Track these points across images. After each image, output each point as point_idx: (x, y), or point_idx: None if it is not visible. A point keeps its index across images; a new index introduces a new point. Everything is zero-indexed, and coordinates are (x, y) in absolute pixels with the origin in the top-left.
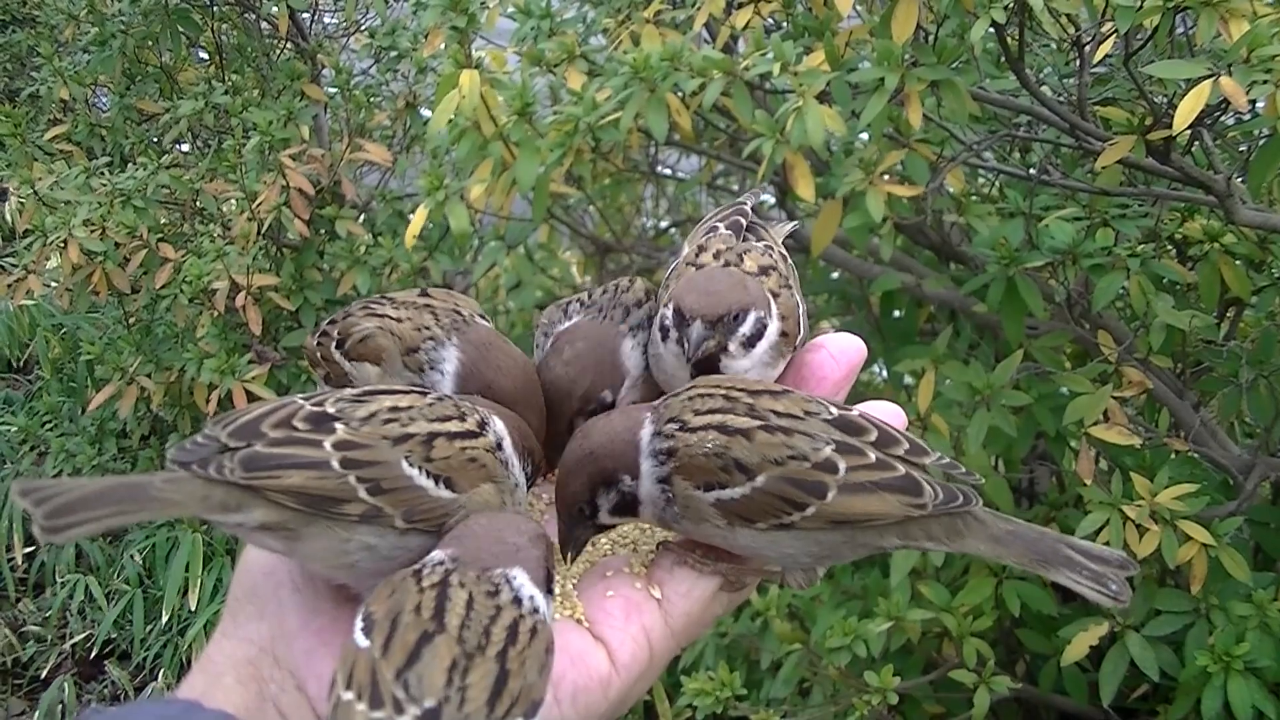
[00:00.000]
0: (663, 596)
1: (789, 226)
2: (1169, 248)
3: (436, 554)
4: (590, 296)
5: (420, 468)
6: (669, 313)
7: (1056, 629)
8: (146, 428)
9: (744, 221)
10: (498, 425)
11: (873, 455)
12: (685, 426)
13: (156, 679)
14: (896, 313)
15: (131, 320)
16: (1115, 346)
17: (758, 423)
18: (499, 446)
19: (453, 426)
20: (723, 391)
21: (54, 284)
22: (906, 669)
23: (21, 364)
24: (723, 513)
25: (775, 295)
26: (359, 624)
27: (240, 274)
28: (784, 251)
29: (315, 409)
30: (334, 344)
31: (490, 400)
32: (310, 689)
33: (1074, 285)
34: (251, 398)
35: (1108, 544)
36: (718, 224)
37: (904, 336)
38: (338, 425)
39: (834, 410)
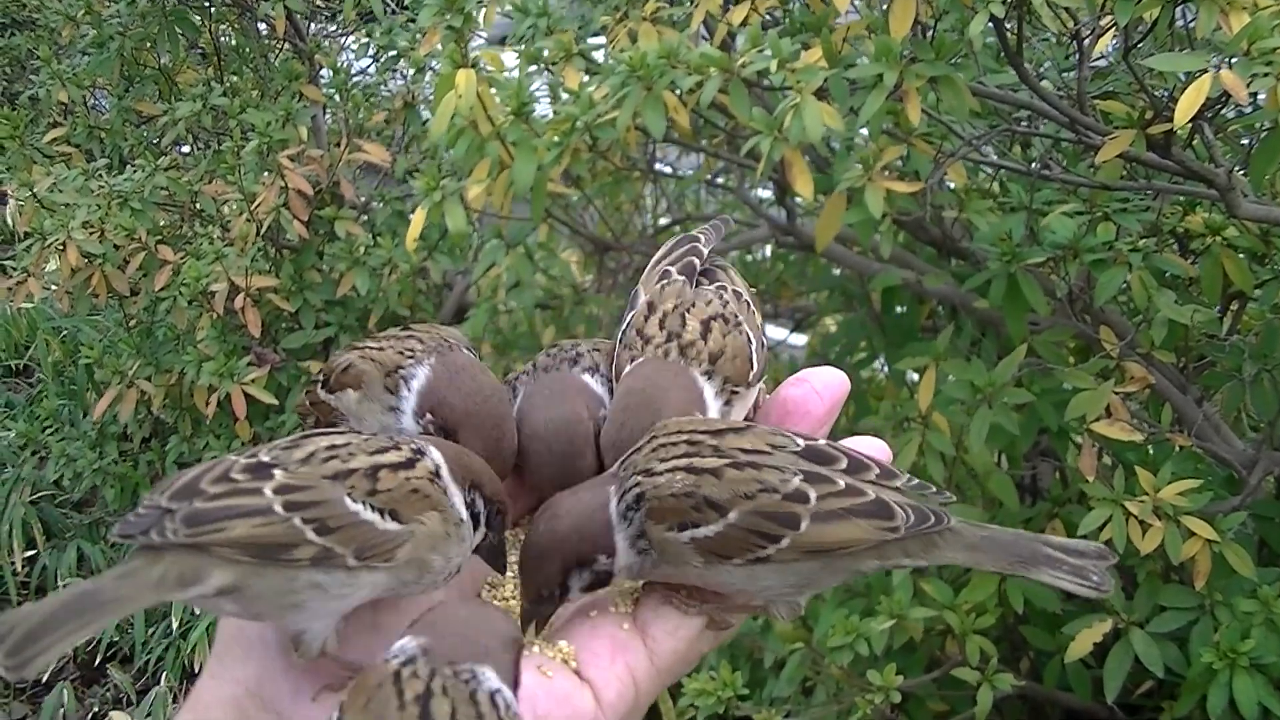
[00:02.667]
0: (648, 635)
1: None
2: (1170, 242)
3: (410, 644)
4: (534, 367)
5: (364, 502)
6: None
7: (1060, 626)
8: (147, 430)
9: (697, 263)
10: (433, 454)
11: (842, 482)
12: (651, 473)
13: (159, 682)
14: (898, 309)
15: (131, 323)
16: (1117, 342)
17: (725, 460)
18: (436, 475)
19: (391, 457)
20: (685, 437)
21: (53, 287)
22: (909, 667)
23: (21, 367)
24: (699, 551)
25: (715, 358)
26: None
27: (239, 276)
28: (739, 289)
29: (250, 460)
30: (320, 385)
31: (440, 418)
32: None
33: (1075, 281)
34: (251, 400)
35: (1110, 541)
36: (669, 269)
37: (906, 333)
38: (275, 471)
39: (800, 441)
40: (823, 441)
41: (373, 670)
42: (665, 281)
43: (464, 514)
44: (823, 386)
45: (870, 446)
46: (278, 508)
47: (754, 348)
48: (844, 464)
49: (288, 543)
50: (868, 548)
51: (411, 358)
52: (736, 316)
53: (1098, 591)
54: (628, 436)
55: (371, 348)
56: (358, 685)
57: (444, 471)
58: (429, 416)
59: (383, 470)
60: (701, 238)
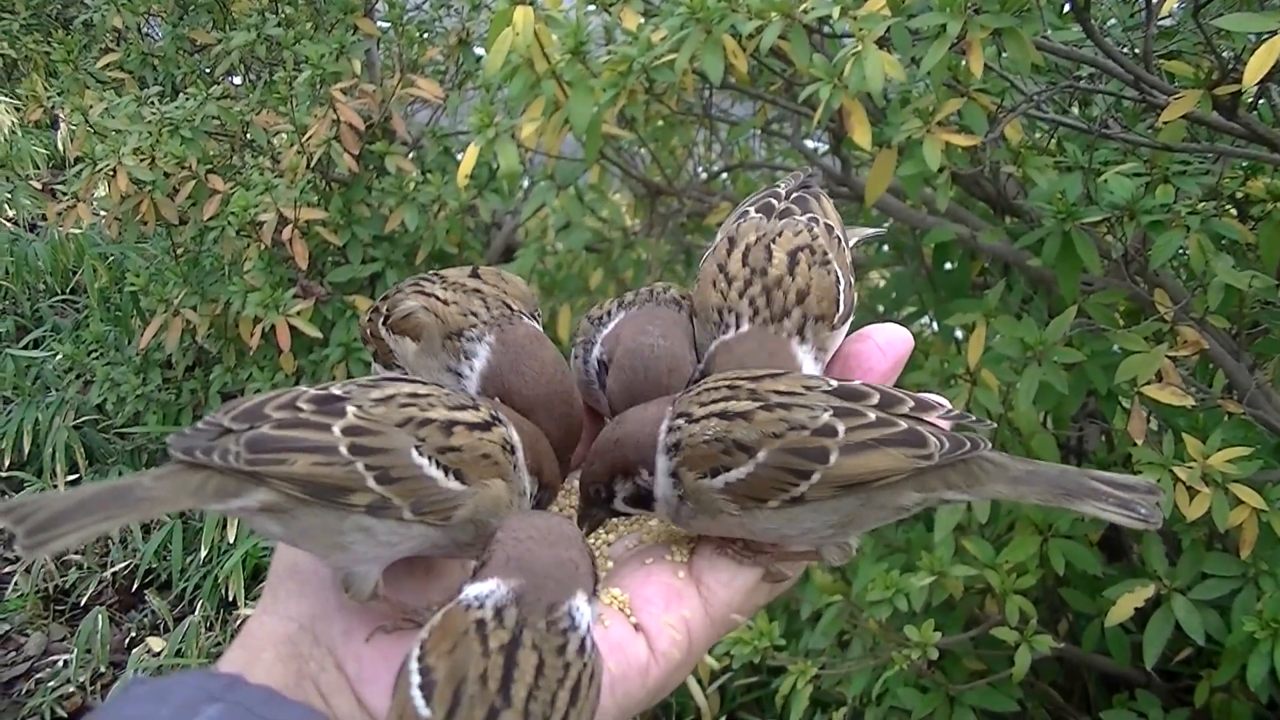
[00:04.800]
0: (703, 585)
1: (869, 232)
2: (1229, 207)
3: (499, 588)
4: (626, 299)
5: (431, 457)
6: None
7: (1101, 589)
8: (191, 359)
9: (775, 203)
10: (511, 431)
11: (873, 415)
12: (691, 418)
13: (194, 610)
14: (948, 265)
15: (179, 251)
16: (1172, 305)
17: (758, 403)
18: (511, 449)
19: (470, 416)
20: (727, 382)
21: (103, 213)
22: (947, 625)
23: (68, 290)
24: (733, 497)
25: (802, 296)
26: (415, 678)
27: (288, 207)
28: (831, 222)
29: (321, 391)
30: (381, 320)
31: (508, 405)
32: (349, 669)
33: (1131, 242)
34: (295, 333)
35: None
36: (748, 208)
37: (956, 289)
38: (348, 407)
39: (833, 382)
40: (857, 381)
41: (458, 614)
42: (742, 219)
43: (528, 486)
44: (886, 343)
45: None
46: (343, 449)
47: (841, 287)
48: (875, 399)
49: (346, 486)
50: (905, 478)
51: (474, 327)
52: (826, 253)
53: (1146, 524)
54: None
55: (437, 297)
56: (443, 628)
57: (519, 450)
58: (495, 403)
59: (458, 427)
60: (782, 186)
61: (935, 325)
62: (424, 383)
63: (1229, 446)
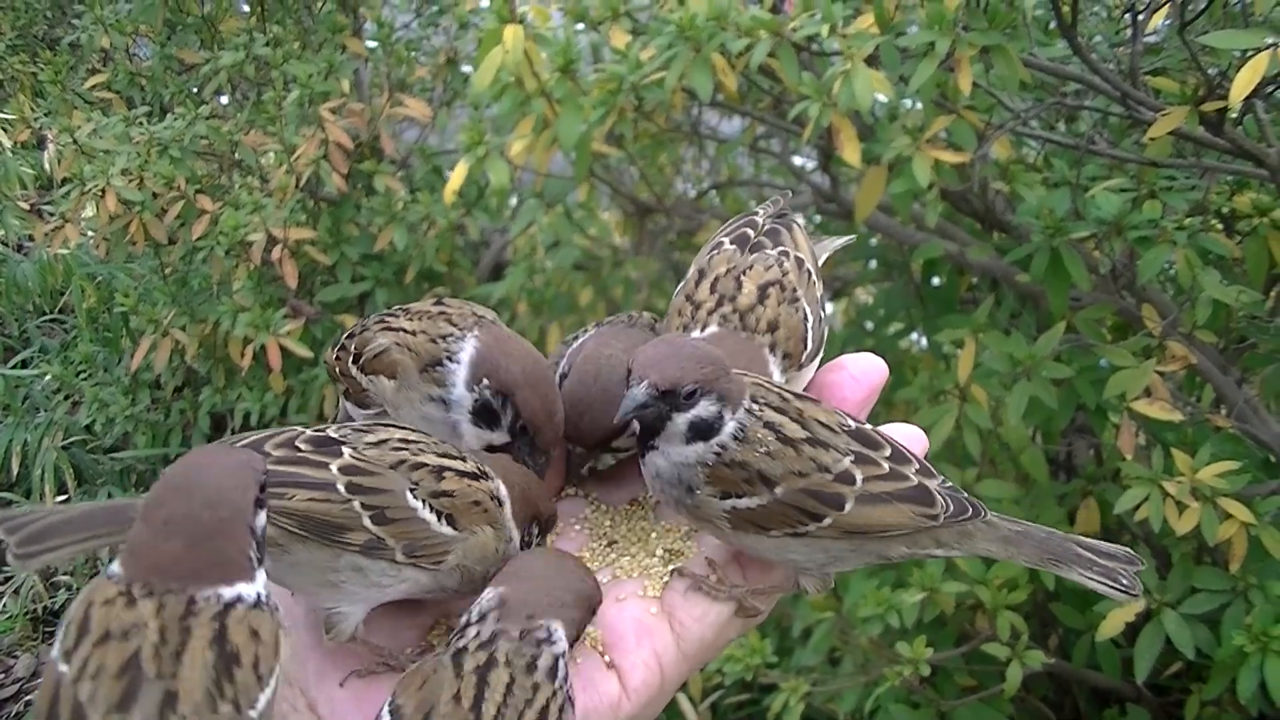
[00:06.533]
0: (676, 620)
1: (839, 241)
2: (1215, 222)
3: (489, 594)
4: (602, 323)
5: (424, 501)
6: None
7: (1091, 604)
8: (180, 379)
9: (751, 233)
10: (499, 485)
11: (887, 466)
12: (755, 414)
13: None
14: (936, 280)
15: (167, 271)
16: (1160, 320)
17: (805, 434)
18: (499, 501)
19: (460, 465)
20: (776, 390)
21: (91, 233)
22: (939, 641)
23: (56, 310)
24: (732, 520)
25: (773, 327)
26: (386, 716)
27: (277, 227)
28: (801, 255)
29: (317, 433)
30: (351, 359)
31: (496, 383)
32: (321, 710)
33: (1119, 257)
34: (285, 353)
35: (1147, 519)
36: (723, 239)
37: (944, 304)
38: (344, 449)
39: (852, 423)
40: (869, 426)
41: (432, 659)
42: (716, 250)
43: (515, 536)
44: (860, 374)
45: (906, 434)
46: (340, 487)
47: (810, 324)
48: (888, 451)
49: (343, 525)
50: (902, 534)
51: (449, 338)
52: (795, 290)
53: (1126, 595)
54: None
55: (406, 332)
56: (419, 670)
57: (506, 505)
58: (485, 382)
59: (449, 473)
60: (760, 213)
61: (924, 341)
62: (414, 430)
63: (1217, 461)
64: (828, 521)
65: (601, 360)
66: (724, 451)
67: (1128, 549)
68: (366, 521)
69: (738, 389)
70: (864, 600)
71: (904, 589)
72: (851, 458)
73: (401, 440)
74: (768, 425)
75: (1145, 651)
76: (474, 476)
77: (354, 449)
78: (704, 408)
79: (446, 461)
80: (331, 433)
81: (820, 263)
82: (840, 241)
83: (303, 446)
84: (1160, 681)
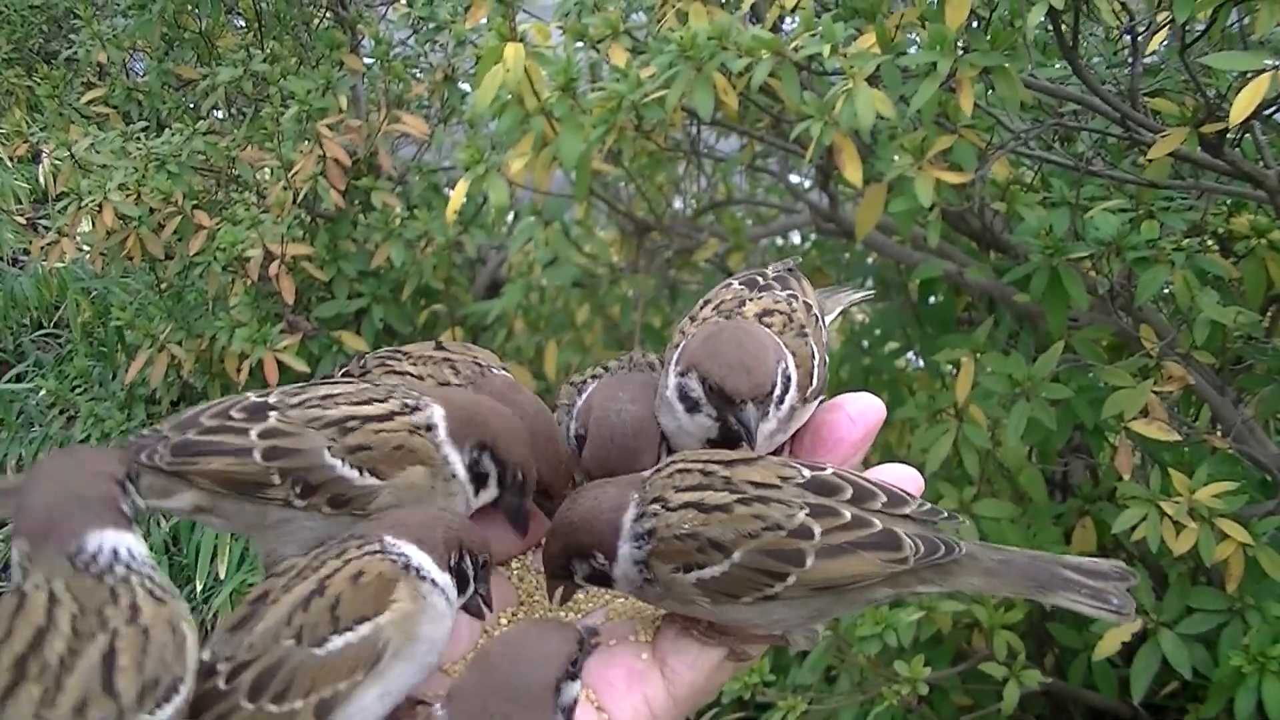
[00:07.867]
0: (667, 666)
1: (856, 295)
2: (1212, 243)
3: (438, 711)
4: (609, 366)
5: (342, 458)
6: (694, 384)
7: (1088, 623)
8: (176, 394)
9: (760, 280)
10: (433, 410)
11: (848, 514)
12: (666, 505)
13: None
14: (934, 299)
15: (163, 286)
16: (1157, 340)
17: (735, 496)
18: (427, 428)
19: (371, 410)
20: (699, 466)
21: (87, 248)
22: (936, 660)
23: (51, 325)
24: (705, 592)
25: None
26: None
27: (274, 243)
28: (810, 301)
29: (259, 399)
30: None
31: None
32: None
33: (1117, 278)
34: (283, 368)
35: (1144, 540)
36: (731, 281)
37: (942, 324)
38: (271, 414)
39: (806, 472)
40: (829, 470)
41: None
42: (724, 288)
43: (459, 470)
44: (858, 414)
45: (900, 476)
46: (256, 455)
47: (816, 361)
48: (849, 493)
49: (261, 482)
50: (878, 580)
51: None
52: (803, 326)
53: (1118, 615)
54: None
55: (410, 374)
56: None
57: (440, 429)
58: (474, 454)
59: (352, 421)
60: (770, 270)
61: (920, 360)
62: (342, 382)
63: (1215, 481)
64: (792, 580)
65: (613, 418)
66: (648, 544)
67: (1119, 563)
68: (287, 488)
69: (597, 529)
70: (861, 619)
71: (901, 608)
72: (806, 510)
73: (322, 397)
74: (683, 508)
75: (1142, 671)
76: (386, 417)
77: (280, 412)
78: (582, 569)
79: (359, 409)
80: (270, 399)
81: (833, 317)
82: (857, 295)
83: (235, 415)
84: (1157, 701)
